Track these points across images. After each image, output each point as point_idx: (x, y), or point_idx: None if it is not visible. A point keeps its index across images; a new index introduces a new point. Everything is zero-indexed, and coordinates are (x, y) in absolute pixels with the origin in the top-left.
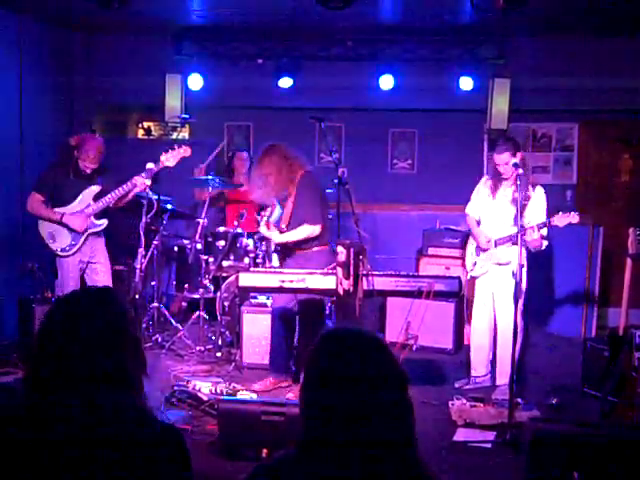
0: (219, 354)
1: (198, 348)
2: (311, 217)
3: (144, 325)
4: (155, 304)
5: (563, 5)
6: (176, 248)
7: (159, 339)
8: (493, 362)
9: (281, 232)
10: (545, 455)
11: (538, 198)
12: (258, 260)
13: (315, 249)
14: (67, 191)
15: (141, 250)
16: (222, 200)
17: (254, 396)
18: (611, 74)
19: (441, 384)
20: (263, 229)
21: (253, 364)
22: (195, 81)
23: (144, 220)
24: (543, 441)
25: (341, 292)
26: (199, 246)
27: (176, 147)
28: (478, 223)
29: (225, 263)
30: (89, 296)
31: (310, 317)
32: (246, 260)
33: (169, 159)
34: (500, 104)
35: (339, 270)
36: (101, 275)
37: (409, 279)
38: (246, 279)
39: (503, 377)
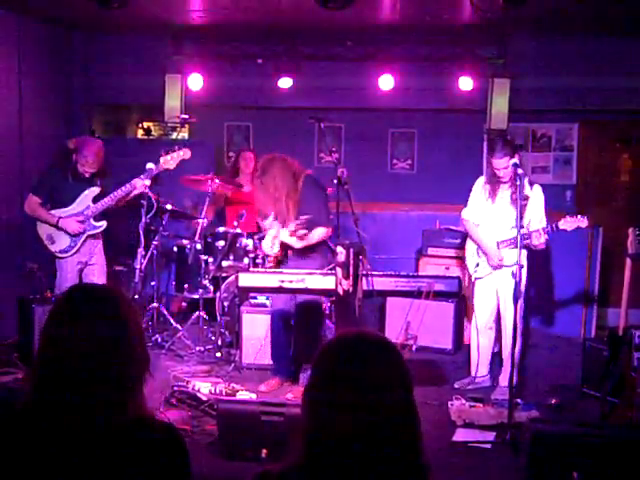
0: (219, 354)
1: (198, 348)
2: (325, 220)
3: (144, 325)
4: (155, 304)
5: (563, 5)
6: (176, 248)
7: (159, 339)
8: (493, 362)
9: (291, 235)
10: (545, 455)
11: (536, 197)
12: (258, 260)
13: (314, 249)
14: (66, 193)
15: (141, 250)
16: (222, 200)
17: (253, 396)
18: (611, 74)
19: (441, 384)
20: (284, 236)
21: (253, 364)
22: (195, 81)
23: (144, 220)
24: (543, 441)
25: (341, 292)
26: (199, 246)
27: (176, 149)
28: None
29: (225, 263)
30: (91, 294)
31: (308, 319)
32: (246, 260)
33: (168, 161)
34: (500, 104)
35: (339, 270)
36: (97, 277)
37: (409, 279)
38: (246, 279)
39: (506, 378)
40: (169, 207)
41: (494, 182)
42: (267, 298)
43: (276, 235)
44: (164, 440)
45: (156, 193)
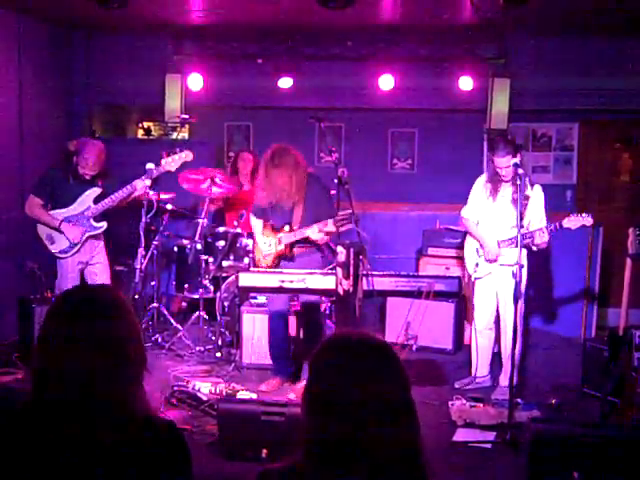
0: (219, 354)
1: (198, 348)
2: (335, 213)
3: (144, 325)
4: (155, 304)
5: (563, 5)
6: (176, 248)
7: (159, 339)
8: (494, 363)
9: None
10: (545, 455)
11: (537, 197)
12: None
13: (314, 248)
14: (66, 194)
15: (141, 250)
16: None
17: (254, 396)
18: (611, 74)
19: (441, 384)
20: (314, 232)
21: (253, 364)
22: (195, 81)
23: (144, 220)
24: (543, 441)
25: (341, 292)
26: (199, 246)
27: (178, 151)
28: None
29: (225, 263)
30: (88, 294)
31: (311, 318)
32: (246, 260)
33: (170, 163)
34: (500, 104)
35: (339, 270)
36: (100, 276)
37: (409, 279)
38: (246, 279)
39: (507, 378)
40: (169, 207)
41: (495, 181)
42: (267, 298)
43: (276, 234)
44: (166, 438)
45: (156, 193)
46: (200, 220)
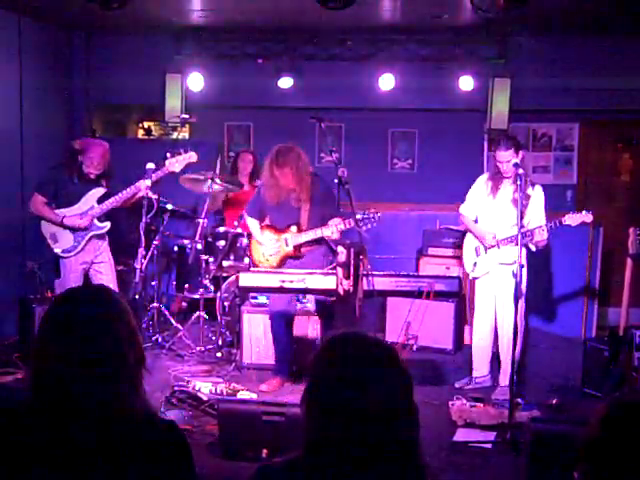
0: (219, 354)
1: (198, 348)
2: (341, 213)
3: (144, 325)
4: (155, 304)
5: (563, 5)
6: (176, 248)
7: (159, 339)
8: (494, 362)
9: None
10: (545, 455)
11: (537, 197)
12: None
13: (316, 247)
14: (71, 193)
15: (141, 250)
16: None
17: (254, 396)
18: (611, 74)
19: (441, 384)
20: (333, 232)
21: (253, 364)
22: (195, 81)
23: (144, 220)
24: (543, 441)
25: (341, 292)
26: (199, 246)
27: (182, 152)
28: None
29: (225, 263)
30: (86, 294)
31: (330, 316)
32: (246, 260)
33: (174, 164)
34: (500, 104)
35: (339, 270)
36: (105, 275)
37: (409, 279)
38: (246, 279)
39: (506, 377)
40: (169, 207)
41: (497, 179)
42: (268, 298)
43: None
44: (167, 438)
45: (157, 193)
46: (200, 220)
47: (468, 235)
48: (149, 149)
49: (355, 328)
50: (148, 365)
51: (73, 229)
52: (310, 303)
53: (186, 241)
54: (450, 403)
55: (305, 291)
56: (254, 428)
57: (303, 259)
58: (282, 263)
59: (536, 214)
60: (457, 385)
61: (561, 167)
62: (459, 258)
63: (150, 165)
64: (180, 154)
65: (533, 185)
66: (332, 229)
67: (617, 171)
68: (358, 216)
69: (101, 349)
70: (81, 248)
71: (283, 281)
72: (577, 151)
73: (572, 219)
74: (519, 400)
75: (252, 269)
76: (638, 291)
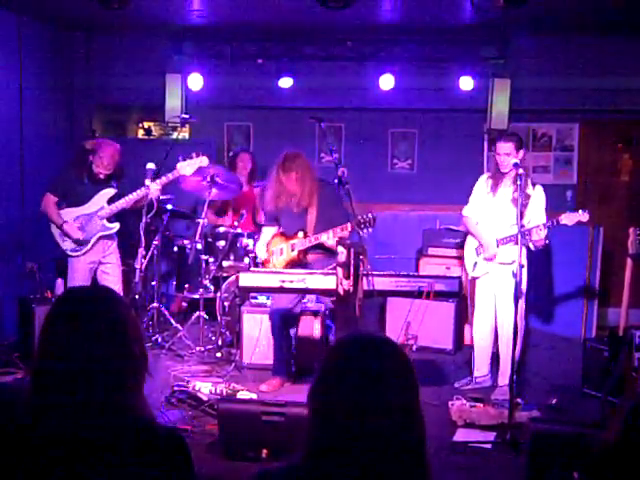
0: (219, 354)
1: (198, 348)
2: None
3: (144, 325)
4: (155, 304)
5: (563, 5)
6: (176, 248)
7: (159, 339)
8: (494, 362)
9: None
10: (545, 455)
11: (538, 197)
12: (258, 260)
13: (328, 253)
14: (81, 193)
15: (141, 250)
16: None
17: (254, 396)
18: (611, 74)
19: (441, 384)
20: (329, 238)
21: (253, 364)
22: (195, 81)
23: (144, 220)
24: (543, 441)
25: (341, 292)
26: (199, 246)
27: (194, 156)
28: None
29: (225, 263)
30: (87, 294)
31: (343, 315)
32: (246, 260)
33: (185, 168)
34: (500, 104)
35: (339, 270)
36: (111, 277)
37: (409, 279)
38: (246, 279)
39: (505, 378)
40: (169, 207)
41: (497, 177)
42: (268, 298)
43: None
44: (166, 444)
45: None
46: (200, 220)
47: (470, 235)
48: (149, 149)
49: (361, 329)
50: (149, 366)
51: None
52: (311, 303)
53: (186, 241)
54: (450, 403)
55: (305, 291)
56: (254, 428)
57: (316, 267)
58: (288, 269)
59: (536, 214)
60: (457, 385)
61: (561, 167)
62: (459, 258)
63: (150, 165)
64: (192, 157)
65: (534, 185)
66: (329, 234)
67: (617, 171)
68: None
69: (103, 349)
70: (89, 247)
71: (283, 281)
72: (577, 151)
73: (569, 219)
74: (519, 400)
75: (252, 269)
76: (638, 291)
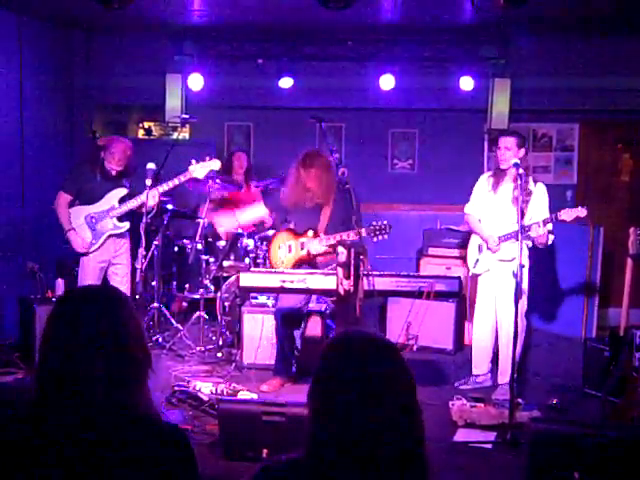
0: (219, 354)
1: (198, 348)
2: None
3: (144, 325)
4: (155, 304)
5: (563, 5)
6: (177, 248)
7: (159, 339)
8: (494, 361)
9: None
10: (545, 455)
11: (539, 194)
12: (259, 260)
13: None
14: (93, 191)
15: (141, 250)
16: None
17: (254, 396)
18: (611, 74)
19: (441, 384)
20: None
21: (254, 364)
22: (195, 81)
23: (144, 220)
24: (544, 441)
25: (342, 292)
26: (200, 246)
27: (207, 159)
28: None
29: (226, 263)
30: (88, 295)
31: (344, 316)
32: (247, 260)
33: (197, 170)
34: (500, 104)
35: (340, 270)
36: (120, 276)
37: (409, 279)
38: (247, 279)
39: (504, 377)
40: (170, 207)
41: (498, 175)
42: (268, 298)
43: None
44: (170, 441)
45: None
46: (201, 220)
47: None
48: (149, 149)
49: (358, 328)
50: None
51: (94, 228)
52: (312, 303)
53: (186, 241)
54: (450, 403)
55: (306, 291)
56: (254, 428)
57: (319, 266)
58: (296, 267)
59: (538, 211)
60: (457, 385)
61: (561, 167)
62: (460, 258)
63: (150, 165)
64: (204, 160)
65: (535, 182)
66: (340, 237)
67: (617, 171)
68: (370, 227)
69: (106, 348)
70: (98, 246)
71: (284, 281)
72: (577, 151)
73: (567, 214)
74: (519, 400)
75: (252, 269)
76: (639, 291)
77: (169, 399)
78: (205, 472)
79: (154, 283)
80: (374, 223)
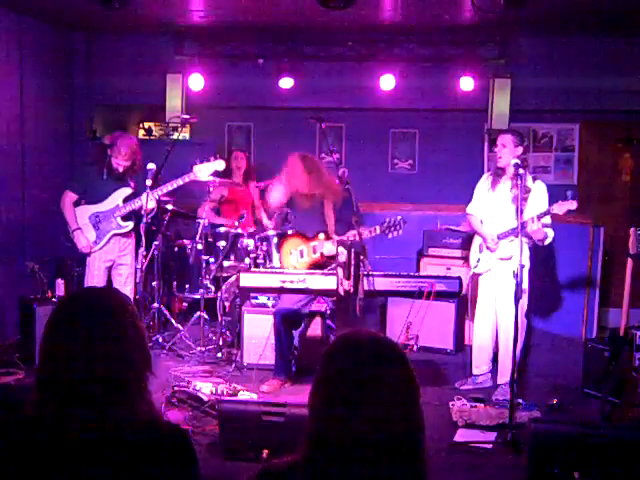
0: (220, 354)
1: (199, 348)
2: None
3: (145, 326)
4: (156, 304)
5: (563, 5)
6: (177, 248)
7: (159, 339)
8: (494, 361)
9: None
10: (546, 455)
11: (538, 191)
12: (259, 260)
13: None
14: (99, 190)
15: (142, 250)
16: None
17: (255, 396)
18: (611, 74)
19: (441, 384)
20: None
21: (254, 364)
22: (196, 81)
23: (145, 220)
24: (544, 441)
25: (342, 292)
26: (200, 246)
27: (211, 159)
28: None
29: (226, 263)
30: (89, 298)
31: (343, 315)
32: (247, 260)
33: (202, 171)
34: (501, 104)
35: (340, 270)
36: (123, 276)
37: (410, 279)
38: (247, 279)
39: (504, 377)
40: (170, 207)
41: (497, 174)
42: (268, 298)
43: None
44: (171, 441)
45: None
46: (201, 220)
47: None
48: (150, 149)
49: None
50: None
51: (98, 226)
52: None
53: (187, 241)
54: (450, 403)
55: (306, 291)
56: (254, 428)
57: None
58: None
59: (535, 208)
60: (457, 385)
61: (562, 167)
62: (460, 258)
63: (151, 165)
64: (209, 160)
65: (534, 180)
66: (365, 234)
67: (617, 171)
68: (384, 224)
69: (107, 350)
70: (102, 245)
71: (283, 281)
72: (578, 151)
73: (558, 207)
74: (520, 400)
75: (252, 269)
76: (639, 291)
77: (169, 399)
78: (205, 472)
79: (154, 283)
80: (387, 219)
